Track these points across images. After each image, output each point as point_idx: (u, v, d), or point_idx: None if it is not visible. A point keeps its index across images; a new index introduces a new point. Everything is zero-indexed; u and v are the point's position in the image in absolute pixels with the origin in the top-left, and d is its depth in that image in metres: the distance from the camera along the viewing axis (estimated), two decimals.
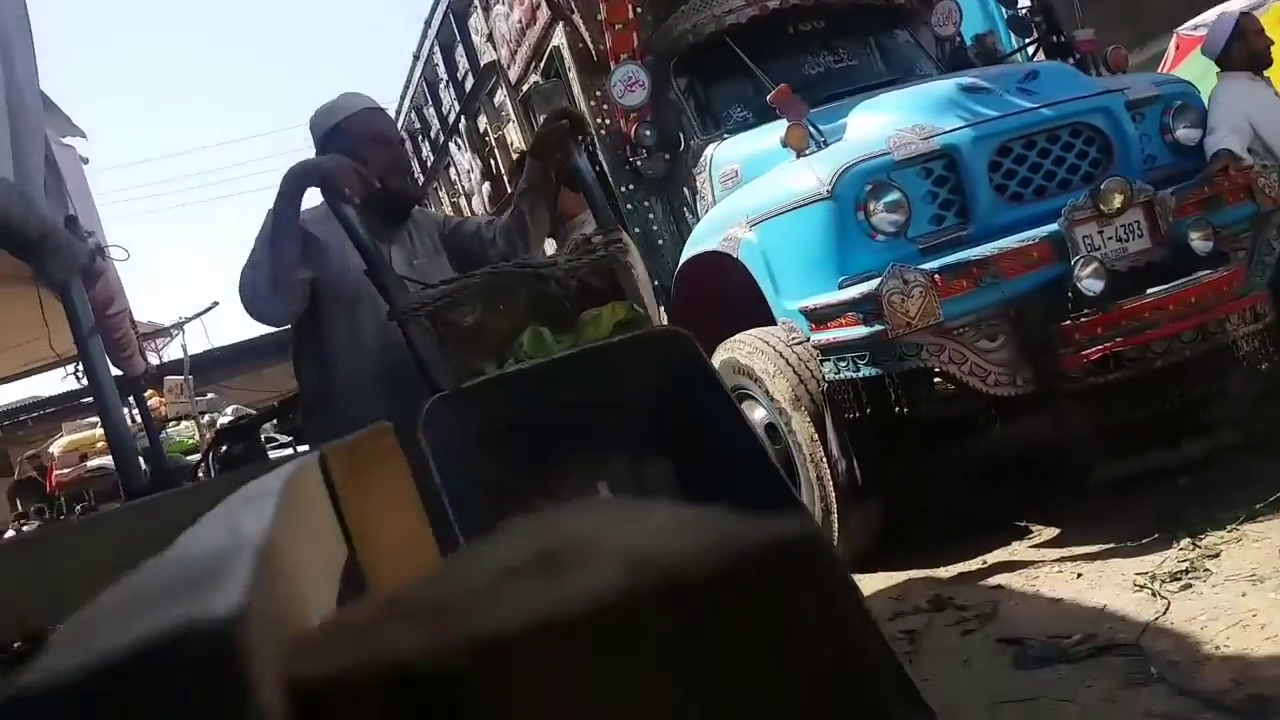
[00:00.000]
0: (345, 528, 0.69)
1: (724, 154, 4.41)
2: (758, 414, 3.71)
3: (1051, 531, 3.41)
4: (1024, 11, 5.30)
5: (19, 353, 7.33)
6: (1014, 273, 3.23)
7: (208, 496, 0.70)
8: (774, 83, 4.10)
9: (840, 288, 3.32)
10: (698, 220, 4.46)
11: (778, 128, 3.91)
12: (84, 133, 6.04)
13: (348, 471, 0.65)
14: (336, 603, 0.61)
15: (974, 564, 3.32)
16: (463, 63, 6.32)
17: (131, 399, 7.58)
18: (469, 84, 6.23)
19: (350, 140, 2.49)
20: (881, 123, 3.72)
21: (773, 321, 3.71)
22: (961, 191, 3.47)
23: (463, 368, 2.19)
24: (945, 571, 3.33)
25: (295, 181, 2.34)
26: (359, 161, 2.39)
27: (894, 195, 3.40)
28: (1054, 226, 3.27)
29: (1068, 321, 3.14)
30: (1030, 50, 5.20)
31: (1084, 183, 3.51)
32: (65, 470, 10.07)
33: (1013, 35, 5.71)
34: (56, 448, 10.95)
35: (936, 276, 3.12)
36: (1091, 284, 3.15)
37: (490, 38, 5.65)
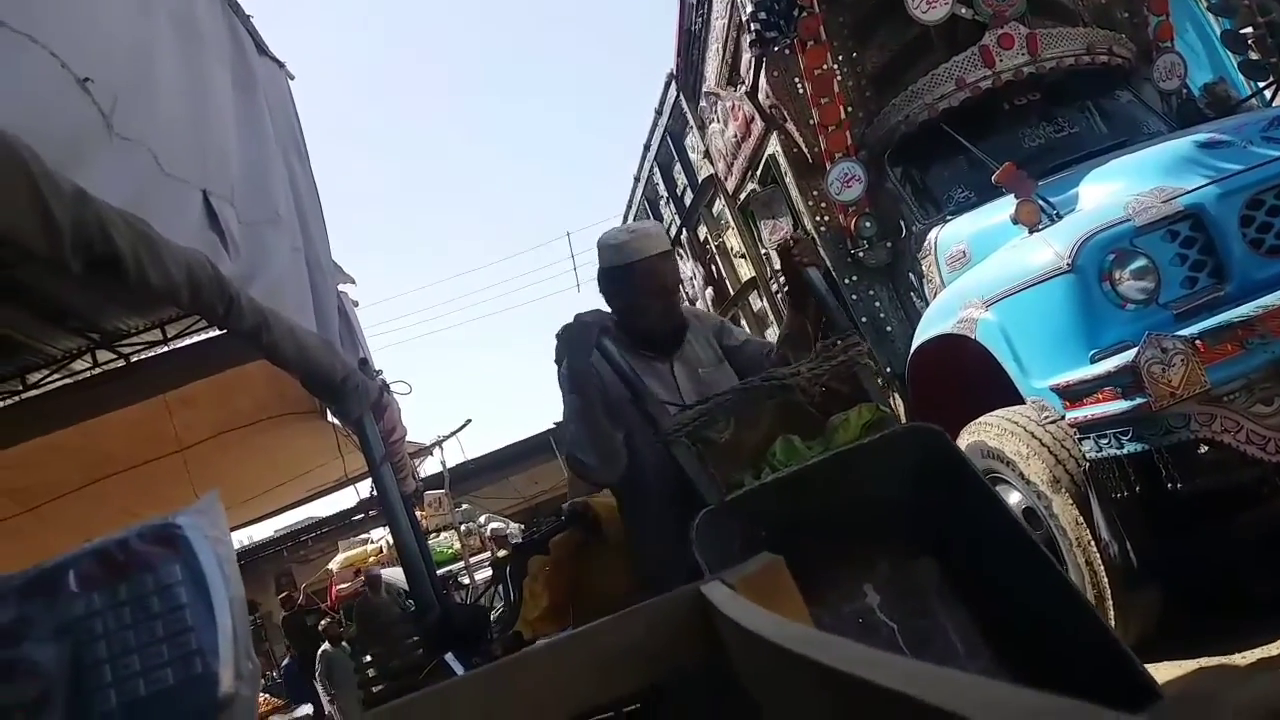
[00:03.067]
0: None
1: (949, 236, 4.42)
2: (1013, 498, 3.61)
3: None
4: (1253, 47, 5.04)
5: (308, 478, 8.22)
6: None
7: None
8: (994, 161, 4.11)
9: (1092, 362, 3.23)
10: (925, 304, 4.47)
11: (1004, 205, 3.90)
12: (354, 279, 6.80)
13: (752, 599, 0.77)
14: None
15: (1275, 648, 3.06)
16: (681, 179, 6.68)
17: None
18: (688, 198, 6.57)
19: (634, 289, 2.68)
20: (1116, 189, 3.64)
21: (1016, 401, 3.64)
22: (1213, 251, 3.32)
23: (724, 481, 2.31)
24: (1243, 658, 3.08)
25: (567, 354, 2.57)
26: (638, 308, 2.66)
27: (1140, 262, 3.30)
28: None
29: None
30: (1269, 94, 4.92)
31: None
32: (344, 585, 10.99)
33: (1246, 80, 5.42)
34: (335, 564, 11.99)
35: (1198, 342, 2.98)
36: None
37: (707, 154, 5.96)
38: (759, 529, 2.24)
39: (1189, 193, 3.35)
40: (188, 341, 6.37)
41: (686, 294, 7.33)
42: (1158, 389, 2.96)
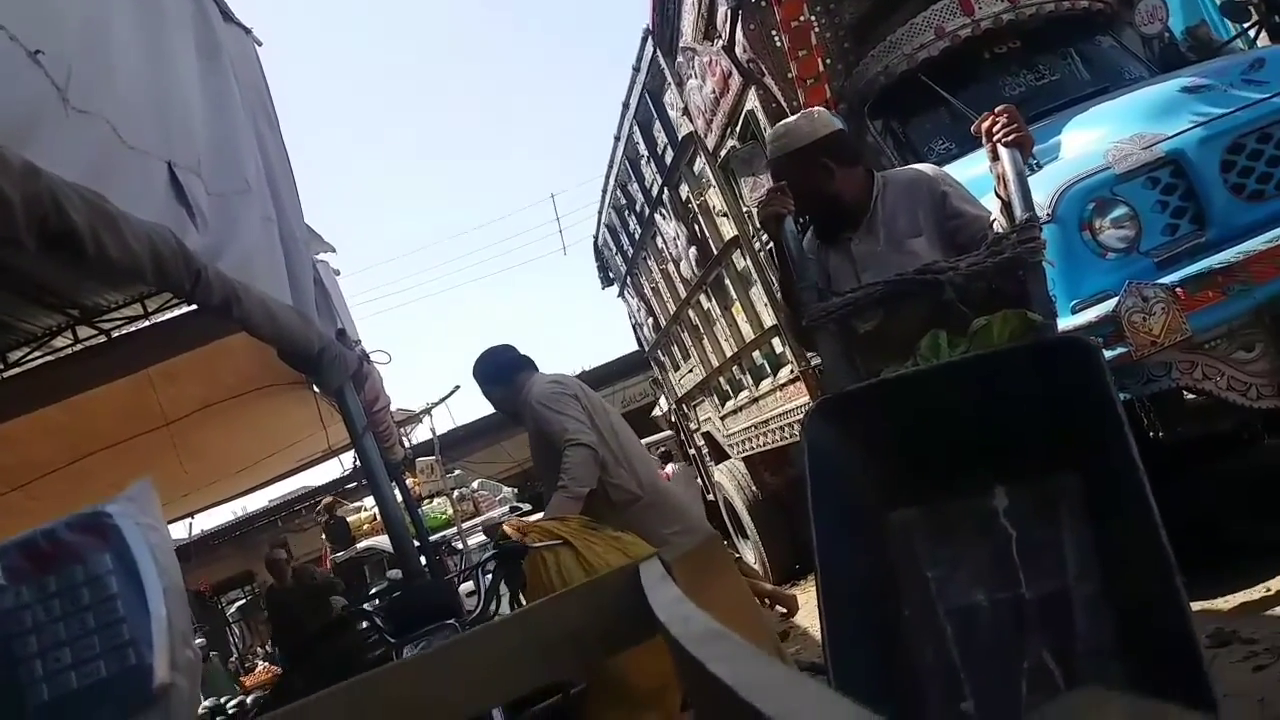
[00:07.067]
0: None
1: None
2: None
3: None
4: None
5: (297, 449, 8.20)
6: (1264, 276, 3.01)
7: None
8: (974, 111, 4.03)
9: (1073, 312, 3.22)
10: None
11: (985, 156, 3.85)
12: (333, 247, 6.72)
13: (689, 578, 0.75)
14: None
15: (1256, 592, 3.08)
16: (661, 137, 6.59)
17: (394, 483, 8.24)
18: (669, 157, 6.48)
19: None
20: (1096, 136, 3.60)
21: None
22: (1194, 197, 3.30)
23: (867, 371, 2.30)
24: (1225, 603, 3.10)
25: (768, 231, 2.71)
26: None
27: (1120, 210, 3.27)
28: None
29: None
30: (1251, 34, 4.85)
31: None
32: (339, 554, 11.09)
33: (1228, 22, 5.35)
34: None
35: (1179, 289, 2.97)
36: None
37: (686, 111, 5.88)
38: (882, 424, 2.17)
39: (1170, 138, 3.32)
40: (168, 316, 6.32)
41: (670, 255, 7.26)
42: (1139, 338, 2.95)
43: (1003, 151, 2.39)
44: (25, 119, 2.29)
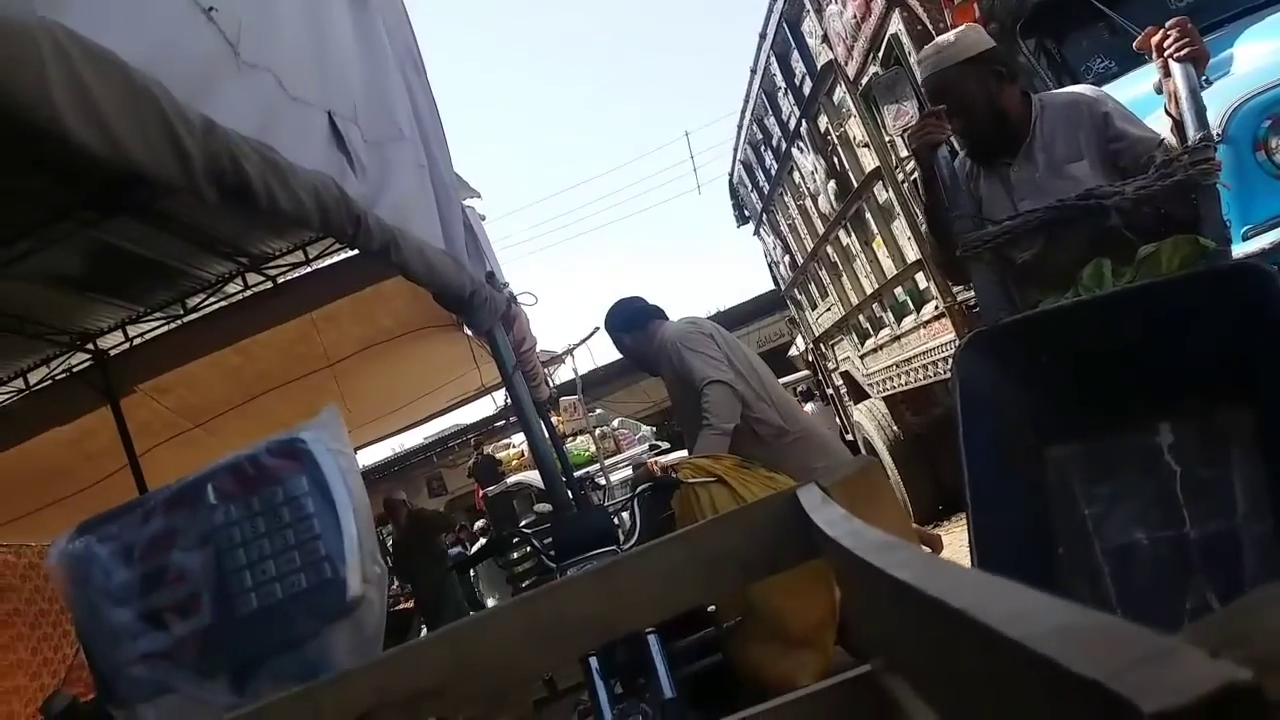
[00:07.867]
0: None
1: None
2: None
3: None
4: None
5: (450, 388, 8.58)
6: None
7: None
8: (1137, 26, 3.80)
9: (1245, 239, 3.03)
10: None
11: (1147, 74, 3.63)
12: (479, 193, 6.91)
13: (848, 503, 0.78)
14: None
15: None
16: (799, 67, 6.45)
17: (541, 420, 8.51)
18: (807, 87, 6.34)
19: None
20: (1273, 48, 3.34)
21: None
22: None
23: (1023, 303, 2.24)
24: None
25: (921, 159, 2.62)
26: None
27: None
28: None
29: None
30: None
31: None
32: (492, 489, 11.60)
33: None
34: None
35: None
36: None
37: (825, 38, 5.72)
38: (1041, 356, 2.14)
39: None
40: (328, 262, 6.67)
41: (807, 189, 7.14)
42: None
43: (1175, 67, 2.27)
44: (201, 75, 2.44)
